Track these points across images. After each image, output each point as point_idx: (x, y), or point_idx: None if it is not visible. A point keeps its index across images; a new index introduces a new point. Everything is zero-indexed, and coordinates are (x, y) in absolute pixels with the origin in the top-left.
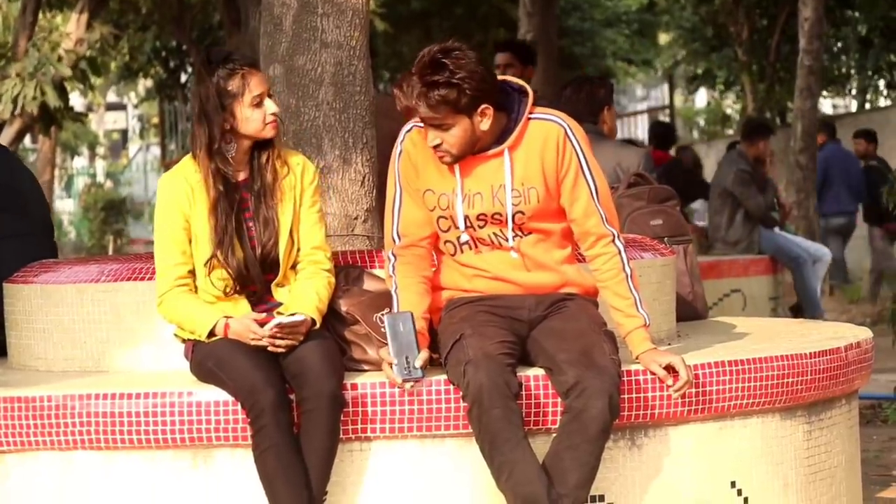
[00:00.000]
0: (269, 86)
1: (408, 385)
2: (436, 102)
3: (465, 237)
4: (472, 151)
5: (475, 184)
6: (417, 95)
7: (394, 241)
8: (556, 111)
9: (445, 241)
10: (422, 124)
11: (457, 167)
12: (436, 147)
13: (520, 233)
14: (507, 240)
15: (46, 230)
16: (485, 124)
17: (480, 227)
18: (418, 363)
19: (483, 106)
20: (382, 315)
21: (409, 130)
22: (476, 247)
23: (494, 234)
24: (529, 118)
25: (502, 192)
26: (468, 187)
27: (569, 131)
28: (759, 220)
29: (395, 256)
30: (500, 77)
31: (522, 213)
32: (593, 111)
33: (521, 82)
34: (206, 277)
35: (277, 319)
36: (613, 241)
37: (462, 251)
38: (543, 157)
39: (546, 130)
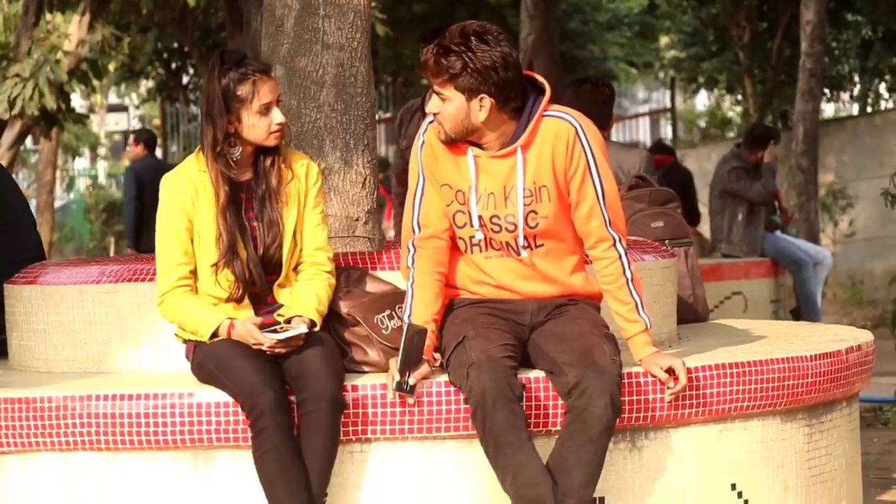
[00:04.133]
0: (278, 94)
1: (394, 397)
2: (441, 67)
3: (479, 235)
4: (466, 139)
5: (489, 183)
6: (433, 51)
7: (413, 230)
8: (571, 110)
9: (458, 238)
10: None
11: (472, 165)
12: (434, 115)
13: (532, 243)
14: (517, 252)
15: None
16: (481, 114)
17: (495, 232)
18: (412, 380)
19: (482, 95)
20: (401, 320)
21: (431, 121)
22: (487, 249)
23: (507, 242)
24: (544, 115)
25: (514, 193)
26: (482, 186)
27: (580, 131)
28: (763, 207)
29: (414, 248)
30: (526, 74)
31: (535, 212)
32: (600, 114)
33: (542, 80)
34: (213, 278)
35: (279, 335)
36: (614, 245)
37: (472, 252)
38: (554, 155)
39: (557, 128)
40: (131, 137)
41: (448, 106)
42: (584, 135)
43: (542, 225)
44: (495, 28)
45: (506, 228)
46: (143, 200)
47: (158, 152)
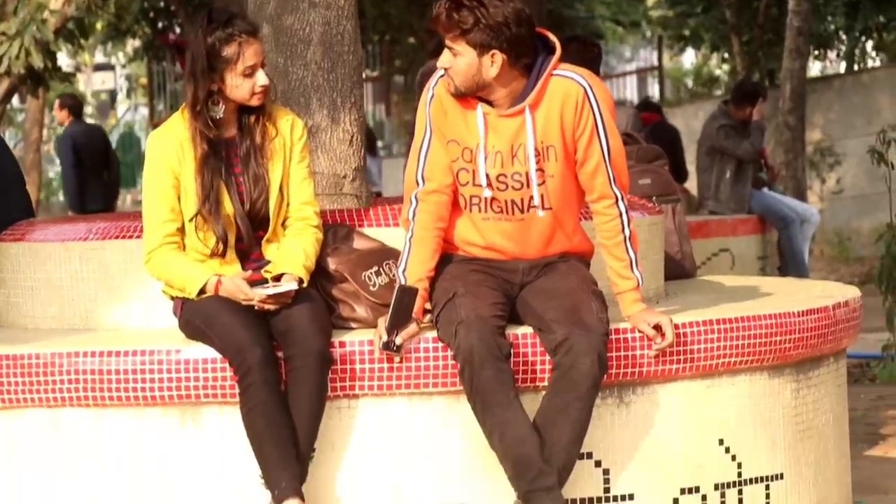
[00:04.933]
0: (263, 57)
1: (382, 355)
2: (452, 22)
3: (487, 193)
4: (476, 94)
5: (497, 141)
6: (445, 5)
7: (417, 183)
8: (580, 69)
9: (459, 195)
10: None
11: (481, 122)
12: (445, 70)
13: (542, 203)
14: (522, 210)
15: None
16: (493, 70)
17: (501, 191)
18: (399, 340)
19: (493, 51)
20: (393, 276)
21: (442, 75)
22: (486, 210)
23: (512, 201)
24: (553, 74)
25: (522, 152)
26: (491, 144)
27: (589, 91)
28: (751, 164)
29: (416, 201)
30: (537, 30)
31: (543, 171)
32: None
33: (553, 38)
34: (195, 234)
35: (267, 291)
36: (616, 203)
37: (471, 210)
38: (563, 115)
39: (567, 88)
40: (56, 102)
41: (459, 61)
42: (594, 94)
43: (550, 184)
44: None
45: (512, 186)
46: (83, 165)
47: (144, 111)
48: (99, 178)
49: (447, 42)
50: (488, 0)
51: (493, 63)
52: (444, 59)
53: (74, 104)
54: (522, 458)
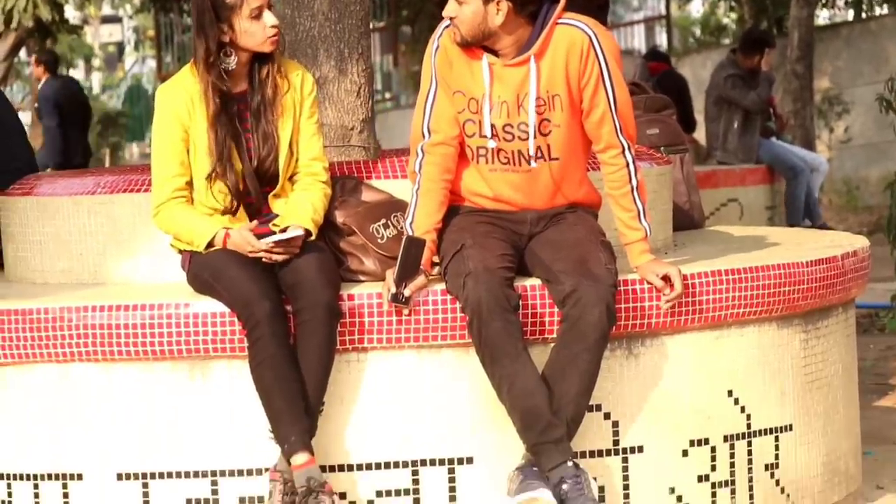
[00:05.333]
0: None
1: (390, 307)
2: None
3: (492, 144)
4: (482, 43)
5: (503, 91)
6: None
7: (423, 135)
8: (585, 17)
9: (466, 146)
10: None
11: (486, 72)
12: (451, 20)
13: (546, 154)
14: (528, 161)
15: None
16: (498, 18)
17: (507, 141)
18: (408, 292)
19: None
20: (401, 228)
21: (447, 26)
22: (493, 161)
23: (518, 151)
24: (557, 23)
25: (527, 101)
26: (496, 94)
27: (594, 40)
28: (759, 115)
29: (423, 153)
30: None
31: (548, 120)
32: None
33: None
34: (208, 191)
35: (273, 237)
36: (623, 152)
37: (478, 161)
38: (568, 64)
39: (571, 37)
40: (33, 57)
41: (465, 9)
42: (599, 43)
43: (556, 134)
44: None
45: (518, 137)
46: (65, 121)
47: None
48: (79, 132)
49: None
50: None
51: (499, 10)
52: (450, 7)
53: (51, 59)
54: (531, 411)
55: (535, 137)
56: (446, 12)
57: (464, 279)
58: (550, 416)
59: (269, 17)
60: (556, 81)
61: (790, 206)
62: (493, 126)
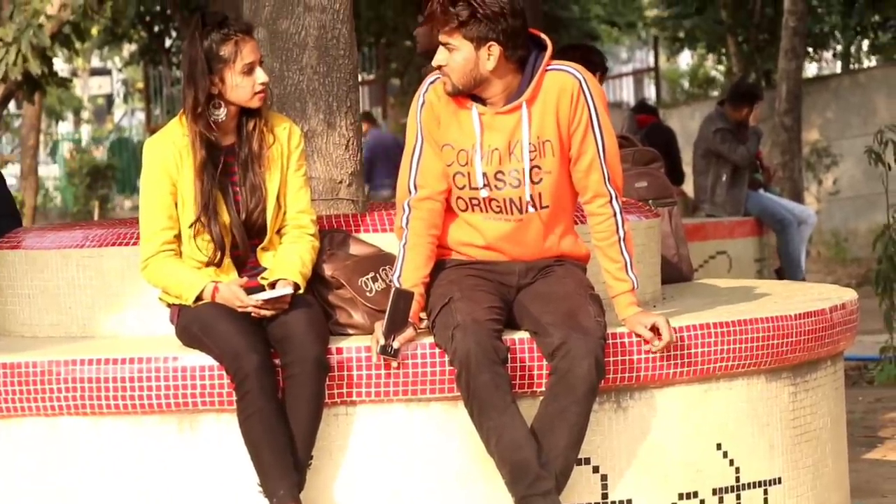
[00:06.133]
0: (260, 55)
1: (379, 360)
2: (449, 14)
3: (484, 193)
4: (472, 91)
5: (493, 139)
6: (441, 1)
7: (409, 191)
8: (573, 64)
9: (458, 198)
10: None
11: (476, 122)
12: (440, 69)
13: (538, 203)
14: (521, 209)
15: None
16: (490, 63)
17: (499, 189)
18: (397, 344)
19: (490, 43)
20: (389, 281)
21: (432, 82)
22: (487, 210)
23: (510, 199)
24: (547, 70)
25: (519, 149)
26: (487, 143)
27: (584, 84)
28: (747, 168)
29: (409, 208)
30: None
31: (539, 167)
32: None
33: (542, 36)
34: (192, 241)
35: (263, 294)
36: (611, 202)
37: (473, 210)
38: (559, 109)
39: (562, 82)
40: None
41: (456, 56)
42: (588, 88)
43: (546, 181)
44: None
45: (510, 184)
46: None
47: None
48: None
49: (442, 38)
50: None
51: (490, 56)
52: (440, 56)
53: None
54: (519, 463)
55: (529, 184)
56: (437, 61)
57: (452, 331)
58: (539, 469)
59: (259, 74)
60: (548, 127)
61: (787, 263)
62: (484, 174)
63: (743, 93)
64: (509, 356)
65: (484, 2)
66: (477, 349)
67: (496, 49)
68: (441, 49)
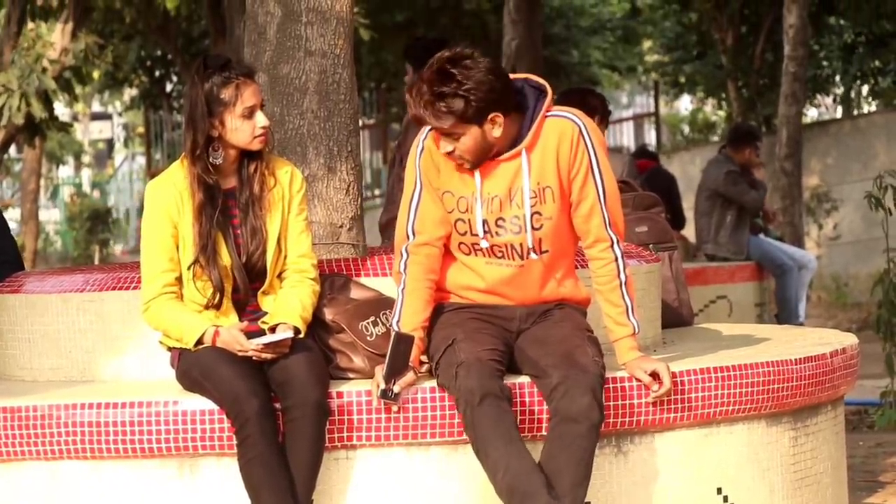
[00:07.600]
0: (261, 98)
1: (379, 404)
2: (443, 113)
3: (485, 244)
4: (490, 155)
5: (494, 186)
6: (424, 105)
7: (407, 236)
8: (573, 109)
9: (460, 243)
10: None
11: (476, 172)
12: (449, 154)
13: (538, 248)
14: (521, 255)
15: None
16: (496, 131)
17: (500, 236)
18: (397, 388)
19: (492, 114)
20: (389, 326)
21: (431, 129)
22: (489, 255)
23: (511, 245)
24: (546, 116)
25: (520, 195)
26: (487, 191)
27: (583, 129)
28: (756, 214)
29: (407, 254)
30: (522, 76)
31: (540, 213)
32: None
33: (541, 81)
34: (191, 283)
35: (263, 339)
36: (612, 246)
37: (476, 255)
38: (559, 154)
39: (561, 128)
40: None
41: (465, 140)
42: (588, 134)
43: (547, 227)
44: (460, 48)
45: (511, 230)
46: None
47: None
48: None
49: (444, 133)
50: (461, 73)
51: (496, 124)
52: (446, 146)
53: None
54: (528, 492)
55: (531, 230)
56: (443, 149)
57: (455, 370)
58: (549, 497)
59: (260, 118)
60: (548, 173)
61: (783, 307)
62: (485, 221)
63: (743, 134)
64: (512, 396)
65: (471, 86)
66: (480, 384)
67: (500, 118)
68: (442, 139)
